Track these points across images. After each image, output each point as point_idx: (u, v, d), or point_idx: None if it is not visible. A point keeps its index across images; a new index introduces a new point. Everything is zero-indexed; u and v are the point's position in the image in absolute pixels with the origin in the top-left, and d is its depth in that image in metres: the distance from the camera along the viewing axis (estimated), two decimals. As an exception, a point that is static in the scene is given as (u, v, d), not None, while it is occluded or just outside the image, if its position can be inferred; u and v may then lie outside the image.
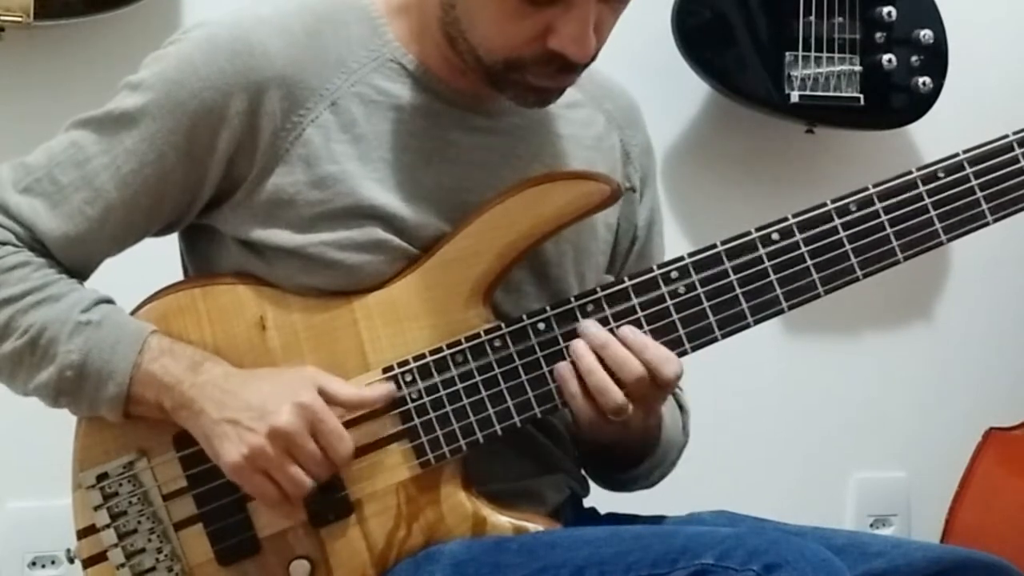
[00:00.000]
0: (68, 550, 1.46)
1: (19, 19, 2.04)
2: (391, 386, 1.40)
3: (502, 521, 1.42)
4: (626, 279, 1.41)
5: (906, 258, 1.41)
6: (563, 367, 1.39)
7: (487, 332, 1.40)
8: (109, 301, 1.43)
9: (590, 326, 1.39)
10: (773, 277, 1.40)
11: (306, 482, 1.35)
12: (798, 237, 1.40)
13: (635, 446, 1.51)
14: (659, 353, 1.38)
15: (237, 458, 1.34)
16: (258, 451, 1.33)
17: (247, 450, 1.34)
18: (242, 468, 1.34)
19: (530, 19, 1.34)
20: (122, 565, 1.42)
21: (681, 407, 1.61)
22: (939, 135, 2.52)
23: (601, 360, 1.37)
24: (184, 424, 1.39)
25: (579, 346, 1.38)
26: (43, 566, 2.25)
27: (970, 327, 2.81)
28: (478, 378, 1.40)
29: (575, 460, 1.57)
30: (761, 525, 1.48)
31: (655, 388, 1.38)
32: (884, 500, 2.78)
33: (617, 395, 1.37)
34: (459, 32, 1.38)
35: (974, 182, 1.41)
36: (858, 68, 2.49)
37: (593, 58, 1.38)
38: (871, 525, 2.75)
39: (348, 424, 1.37)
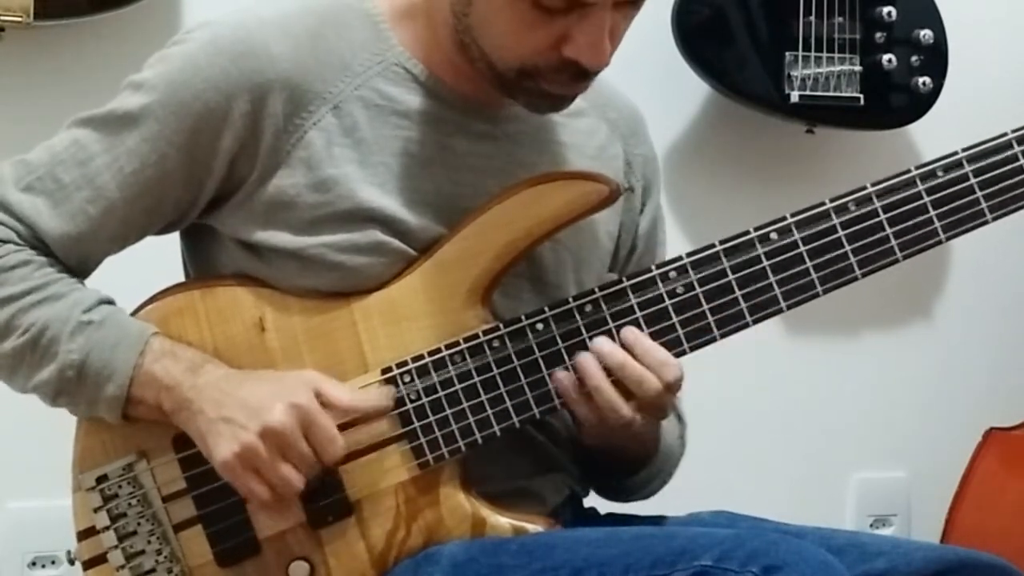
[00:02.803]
0: (68, 552, 1.46)
1: (19, 19, 2.04)
2: (390, 390, 1.40)
3: (501, 522, 1.42)
4: (624, 279, 1.41)
5: (905, 257, 1.41)
6: (563, 378, 1.38)
7: (485, 332, 1.40)
8: (111, 302, 1.43)
9: (604, 344, 1.38)
10: (772, 277, 1.40)
11: (296, 482, 1.34)
12: (796, 236, 1.40)
13: (634, 454, 1.51)
14: (658, 356, 1.38)
15: (229, 455, 1.34)
16: (250, 449, 1.33)
17: (239, 448, 1.34)
18: (234, 466, 1.34)
19: (545, 28, 1.34)
20: (122, 567, 1.42)
21: (679, 418, 1.61)
22: (939, 135, 2.52)
23: (612, 377, 1.37)
24: (182, 425, 1.39)
25: (588, 363, 1.37)
26: (43, 566, 2.25)
27: (970, 327, 2.81)
28: (476, 379, 1.40)
29: (574, 460, 1.57)
30: (761, 525, 1.48)
31: (664, 394, 1.38)
32: (884, 500, 2.78)
33: (626, 411, 1.37)
34: (472, 39, 1.38)
35: (973, 180, 1.40)
36: (858, 68, 2.49)
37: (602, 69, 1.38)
38: (871, 525, 2.75)
39: (346, 426, 1.37)
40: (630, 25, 1.38)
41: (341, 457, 1.36)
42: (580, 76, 1.38)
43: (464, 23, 1.38)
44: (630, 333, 1.38)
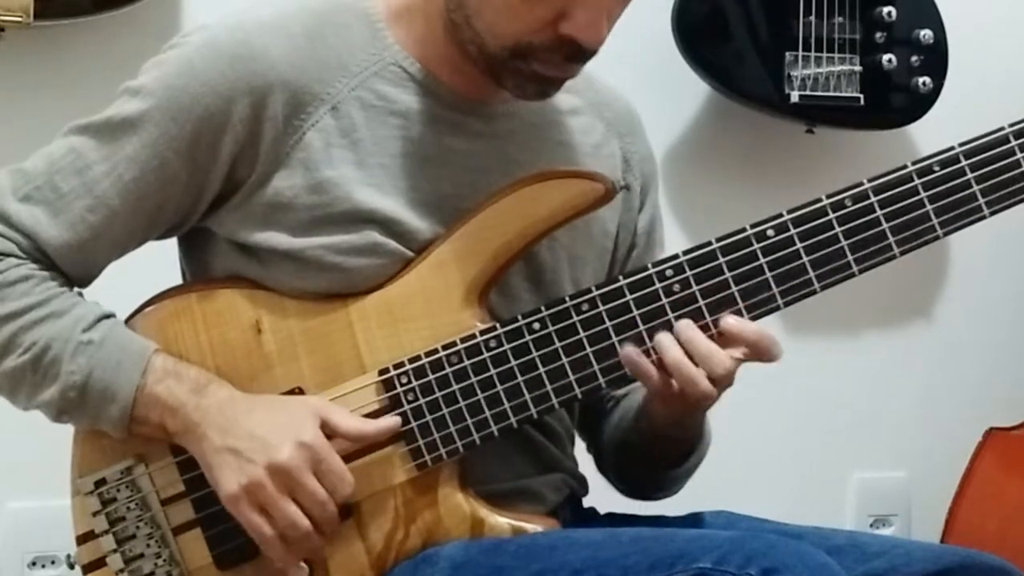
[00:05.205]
0: (68, 556, 1.46)
1: (19, 19, 2.04)
2: (396, 420, 1.39)
3: (500, 522, 1.41)
4: (620, 278, 1.40)
5: (902, 252, 1.40)
6: (630, 352, 1.37)
7: (482, 332, 1.40)
8: (111, 316, 1.43)
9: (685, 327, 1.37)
10: (768, 274, 1.39)
11: (303, 524, 1.34)
12: (793, 232, 1.39)
13: (692, 435, 1.51)
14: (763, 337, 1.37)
15: (236, 488, 1.34)
16: (257, 484, 1.33)
17: (246, 481, 1.34)
18: (239, 499, 1.34)
19: (543, 4, 1.34)
20: (121, 570, 1.42)
21: None
22: (939, 135, 2.49)
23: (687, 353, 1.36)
24: (187, 447, 1.39)
25: (664, 338, 1.37)
26: (43, 566, 2.25)
27: (970, 327, 2.81)
28: (474, 379, 1.39)
29: (573, 459, 1.57)
30: (760, 526, 1.48)
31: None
32: (884, 500, 2.78)
33: (705, 383, 1.36)
34: (464, 19, 1.38)
35: (970, 175, 1.39)
36: (858, 68, 2.49)
37: (596, 51, 1.38)
38: (871, 525, 2.75)
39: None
40: (624, 10, 1.38)
41: (350, 495, 1.36)
42: (573, 57, 1.38)
43: (456, 2, 1.38)
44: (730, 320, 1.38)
